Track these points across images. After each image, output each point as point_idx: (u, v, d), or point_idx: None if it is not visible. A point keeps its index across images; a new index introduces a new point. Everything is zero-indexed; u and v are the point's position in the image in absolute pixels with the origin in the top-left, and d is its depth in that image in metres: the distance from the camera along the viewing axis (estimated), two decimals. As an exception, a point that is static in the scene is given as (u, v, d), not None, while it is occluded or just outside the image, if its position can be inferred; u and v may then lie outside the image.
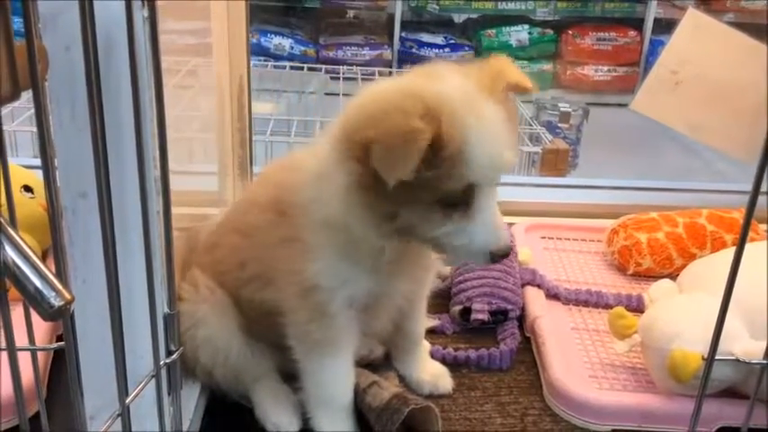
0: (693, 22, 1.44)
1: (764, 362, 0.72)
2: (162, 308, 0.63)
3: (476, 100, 0.72)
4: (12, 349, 0.46)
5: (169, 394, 0.66)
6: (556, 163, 1.74)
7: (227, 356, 0.88)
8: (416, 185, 0.69)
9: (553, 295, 1.14)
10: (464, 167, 0.70)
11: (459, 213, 0.73)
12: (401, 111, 0.67)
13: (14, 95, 0.41)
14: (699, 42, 1.44)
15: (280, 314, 0.84)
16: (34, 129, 1.69)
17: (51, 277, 0.42)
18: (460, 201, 0.73)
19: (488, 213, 0.73)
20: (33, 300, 0.42)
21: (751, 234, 1.23)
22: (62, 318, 0.44)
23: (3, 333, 0.47)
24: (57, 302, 0.42)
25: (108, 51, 0.55)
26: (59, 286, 0.42)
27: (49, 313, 0.42)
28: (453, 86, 0.72)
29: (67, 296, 0.42)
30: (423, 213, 0.73)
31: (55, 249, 0.46)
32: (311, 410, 0.86)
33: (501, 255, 0.75)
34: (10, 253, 0.42)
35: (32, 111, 1.55)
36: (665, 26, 4.71)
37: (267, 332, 0.89)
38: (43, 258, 0.45)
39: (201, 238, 1.01)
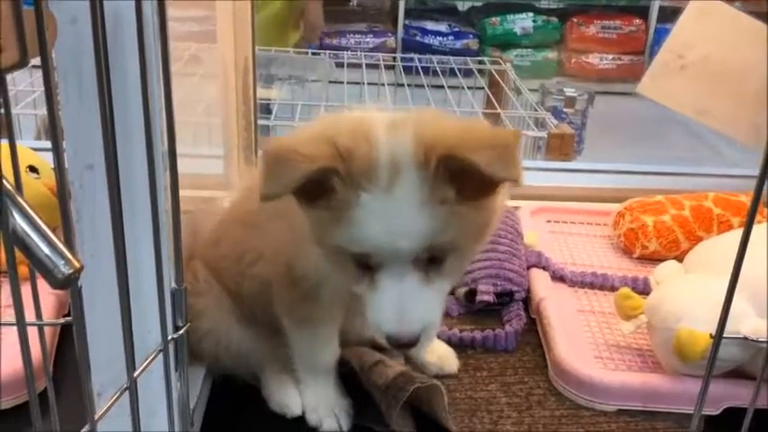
0: (700, 4, 1.43)
1: (772, 340, 0.72)
2: (169, 283, 0.63)
3: (391, 165, 0.63)
4: (21, 324, 0.46)
5: (176, 370, 0.66)
6: (561, 147, 1.73)
7: (229, 347, 0.89)
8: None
9: (559, 277, 1.14)
10: (351, 229, 0.64)
11: (369, 278, 0.67)
12: (311, 138, 0.64)
13: (22, 62, 0.41)
14: (705, 26, 1.43)
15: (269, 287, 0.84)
16: (37, 112, 1.70)
17: (60, 245, 0.42)
18: (369, 265, 0.67)
19: (389, 293, 0.66)
20: (42, 267, 0.42)
21: (758, 217, 1.23)
22: (71, 286, 0.44)
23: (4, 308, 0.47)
24: (66, 270, 0.42)
25: (115, 23, 0.55)
26: (68, 254, 0.42)
27: (59, 281, 0.42)
28: (375, 140, 0.64)
29: (76, 264, 0.42)
30: (339, 262, 0.69)
31: (63, 219, 0.46)
32: (298, 371, 0.88)
33: (396, 342, 0.67)
34: (19, 221, 0.42)
35: (36, 95, 1.55)
36: (671, 14, 4.68)
37: (268, 323, 0.89)
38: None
39: (206, 226, 1.01)
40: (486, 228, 0.70)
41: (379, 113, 0.72)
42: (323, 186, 0.64)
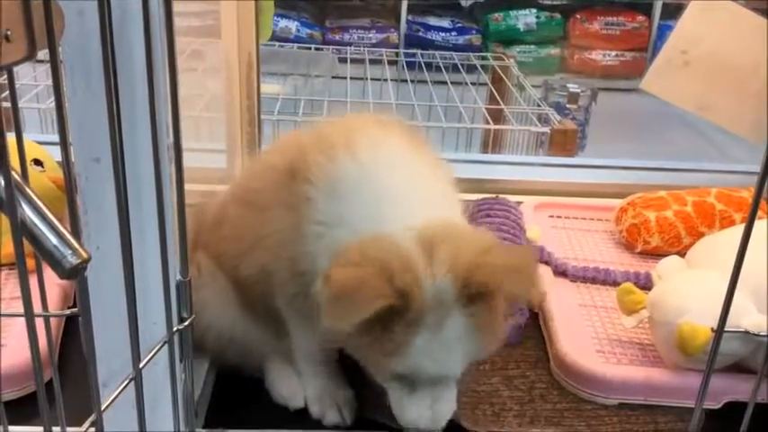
0: (703, 1, 1.43)
1: (773, 335, 0.73)
2: (174, 275, 0.64)
3: (439, 306, 0.67)
4: (29, 314, 0.46)
5: (181, 361, 0.67)
6: (564, 143, 1.73)
7: (232, 339, 0.89)
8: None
9: (561, 272, 1.14)
10: (403, 361, 0.69)
11: (407, 382, 0.72)
12: (368, 269, 0.66)
13: (31, 55, 0.41)
14: (709, 22, 1.43)
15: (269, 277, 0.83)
16: (41, 105, 1.71)
17: (68, 236, 0.43)
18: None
19: (426, 401, 0.72)
20: (50, 258, 0.42)
21: (759, 213, 1.23)
22: (78, 276, 0.44)
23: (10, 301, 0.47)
24: (74, 260, 0.43)
25: (122, 17, 0.55)
26: (76, 245, 0.43)
27: (66, 271, 0.42)
28: (423, 278, 0.67)
29: (84, 255, 0.43)
30: (371, 353, 0.72)
31: (70, 211, 0.47)
32: (297, 363, 0.89)
33: None
34: (28, 212, 0.42)
35: (40, 88, 1.55)
36: (674, 11, 4.68)
37: (268, 312, 0.89)
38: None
39: (209, 216, 1.01)
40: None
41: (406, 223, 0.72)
42: (375, 317, 0.66)
